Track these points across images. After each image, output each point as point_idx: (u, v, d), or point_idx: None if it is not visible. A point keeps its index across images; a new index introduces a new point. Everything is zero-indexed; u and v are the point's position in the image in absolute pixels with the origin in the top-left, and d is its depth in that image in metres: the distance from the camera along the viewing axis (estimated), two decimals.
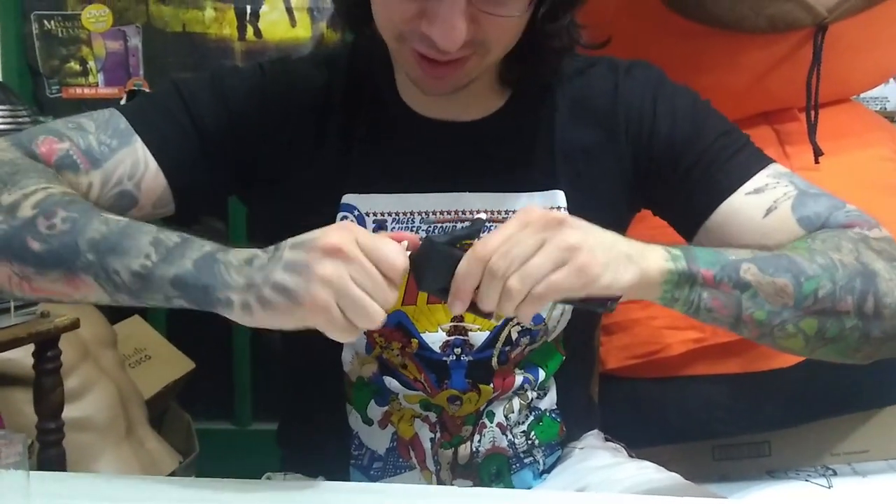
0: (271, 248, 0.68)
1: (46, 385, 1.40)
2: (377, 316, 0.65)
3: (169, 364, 1.94)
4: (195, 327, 1.92)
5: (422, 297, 0.83)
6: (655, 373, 1.31)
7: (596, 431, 0.99)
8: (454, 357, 0.84)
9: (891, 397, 1.33)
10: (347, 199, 0.83)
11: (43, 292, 0.71)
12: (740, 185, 0.82)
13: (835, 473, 1.36)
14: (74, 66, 2.10)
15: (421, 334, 0.84)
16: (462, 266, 0.66)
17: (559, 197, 0.84)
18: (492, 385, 0.86)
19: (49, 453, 1.39)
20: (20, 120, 1.76)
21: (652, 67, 0.89)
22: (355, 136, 0.84)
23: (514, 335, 0.85)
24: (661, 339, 1.29)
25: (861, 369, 1.30)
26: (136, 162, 0.81)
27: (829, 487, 1.33)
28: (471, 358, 0.84)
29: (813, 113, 1.24)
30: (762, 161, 0.85)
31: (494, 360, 0.85)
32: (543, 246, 0.65)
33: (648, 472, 0.87)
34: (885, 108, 1.87)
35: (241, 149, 0.84)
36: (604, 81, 0.87)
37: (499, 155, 0.85)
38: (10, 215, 0.70)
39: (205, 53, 2.06)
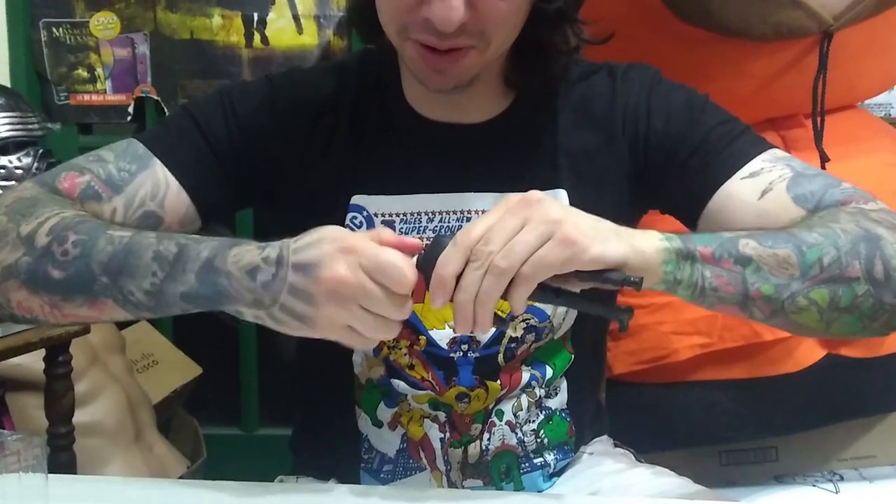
0: (272, 255, 0.68)
1: (57, 390, 1.41)
2: (392, 331, 0.68)
3: (176, 369, 1.95)
4: (202, 332, 1.93)
5: (429, 295, 0.84)
6: (662, 378, 1.32)
7: (606, 437, 0.99)
8: (461, 353, 0.85)
9: None
10: (357, 200, 0.85)
11: (74, 317, 0.74)
12: (736, 170, 0.82)
13: (842, 479, 1.36)
14: (82, 73, 2.12)
15: (429, 331, 0.85)
16: (442, 254, 0.66)
17: (562, 196, 0.85)
18: (499, 382, 0.86)
19: (60, 457, 1.40)
20: (29, 126, 1.77)
21: (648, 68, 0.90)
22: (364, 140, 0.86)
23: (520, 332, 0.85)
24: (668, 344, 1.29)
25: (866, 377, 1.31)
26: (157, 182, 0.83)
27: (837, 493, 1.33)
28: (477, 354, 0.85)
29: (819, 119, 1.25)
30: (760, 146, 0.84)
31: (500, 356, 0.86)
32: (526, 224, 0.65)
33: (661, 477, 0.88)
34: (890, 115, 1.88)
35: (256, 162, 0.86)
36: (603, 85, 0.88)
37: (503, 156, 0.86)
38: (29, 246, 0.72)
39: (212, 60, 2.07)
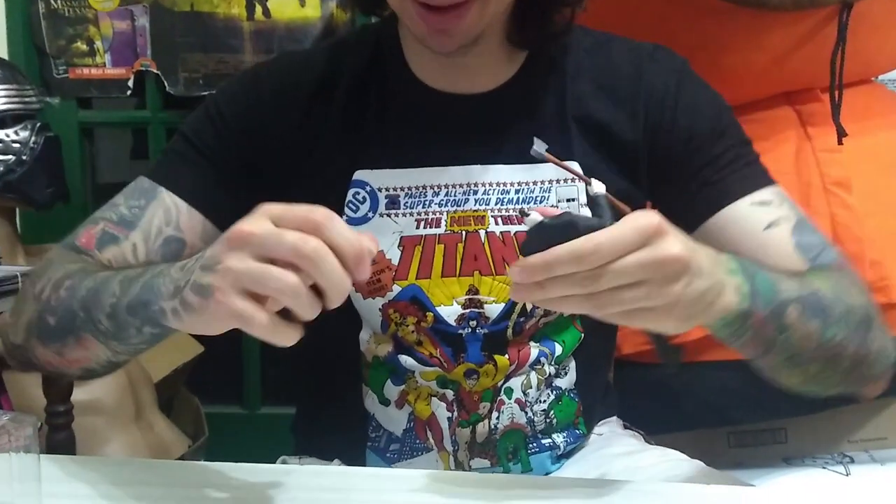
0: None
1: None
2: (292, 289, 0.57)
3: (178, 348, 1.93)
4: None
5: (436, 270, 0.83)
6: None
7: (615, 418, 0.98)
8: (469, 330, 0.84)
9: None
10: (359, 175, 0.83)
11: (76, 362, 0.75)
12: (747, 193, 0.82)
13: (852, 461, 1.35)
14: (81, 46, 2.08)
15: (436, 307, 0.83)
16: (566, 252, 0.58)
17: (574, 167, 0.82)
18: (507, 356, 0.85)
19: (58, 437, 1.38)
20: (27, 99, 1.74)
21: (676, 55, 0.88)
22: (365, 114, 0.84)
23: (530, 306, 0.84)
24: None
25: None
26: (168, 209, 0.84)
27: (847, 475, 1.32)
28: (486, 330, 0.84)
29: (837, 93, 1.22)
30: (769, 179, 0.85)
31: (510, 331, 0.84)
32: (647, 283, 0.59)
33: (671, 460, 0.86)
34: None
35: (254, 159, 0.85)
36: (625, 60, 0.86)
37: (510, 126, 0.84)
38: (38, 301, 0.76)
39: (213, 33, 2.04)
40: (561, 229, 0.59)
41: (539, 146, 0.68)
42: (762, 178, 0.85)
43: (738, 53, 1.21)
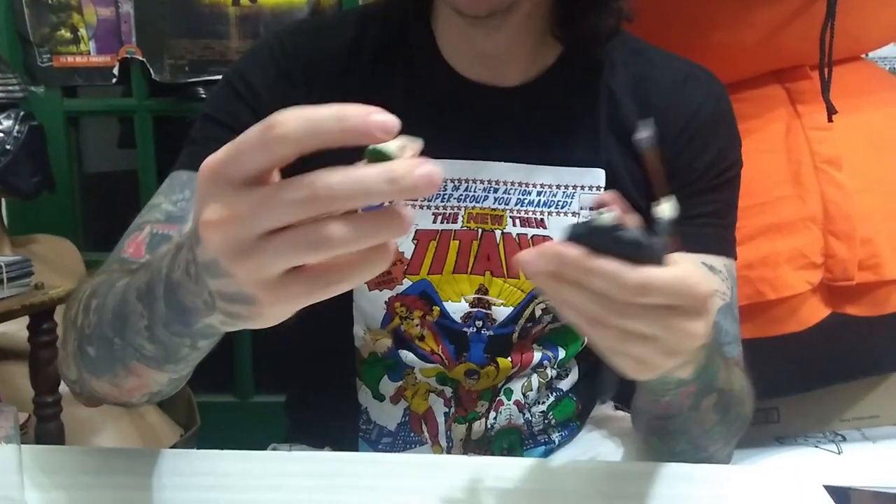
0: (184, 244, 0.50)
1: (42, 358, 1.38)
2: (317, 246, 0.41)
3: None
4: None
5: (448, 266, 0.80)
6: None
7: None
8: (475, 329, 0.82)
9: None
10: None
11: (134, 391, 0.64)
12: (706, 252, 0.81)
13: (844, 439, 1.35)
14: (65, 33, 2.06)
15: (444, 302, 0.81)
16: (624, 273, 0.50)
17: (599, 176, 0.80)
18: (510, 359, 0.83)
19: (47, 427, 1.38)
20: (10, 88, 1.72)
21: (715, 78, 0.85)
22: (389, 95, 0.78)
23: (538, 312, 0.82)
24: None
25: (872, 336, 1.29)
26: None
27: (839, 453, 1.32)
28: (492, 333, 0.82)
29: (826, 70, 1.21)
30: (732, 251, 0.84)
31: (515, 335, 0.83)
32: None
33: None
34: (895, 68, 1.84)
35: None
36: (664, 73, 0.83)
37: (538, 125, 0.80)
38: (74, 328, 0.66)
39: (199, 19, 2.02)
40: (622, 241, 0.51)
41: (644, 131, 0.59)
42: (727, 247, 0.83)
43: (727, 31, 1.19)
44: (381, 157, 0.41)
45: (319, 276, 0.42)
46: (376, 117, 0.40)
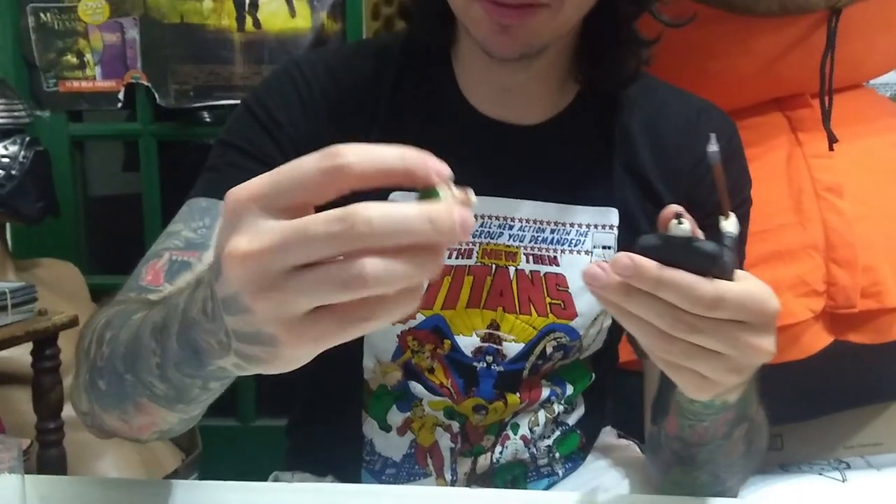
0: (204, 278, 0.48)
1: (45, 384, 1.38)
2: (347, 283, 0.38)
3: None
4: None
5: (462, 301, 0.80)
6: None
7: (609, 427, 0.97)
8: (485, 364, 0.81)
9: None
10: (395, 196, 0.79)
11: (144, 429, 0.63)
12: None
13: (848, 467, 1.34)
14: (71, 59, 2.08)
15: (455, 336, 0.81)
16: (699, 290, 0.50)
17: (613, 215, 0.80)
18: (518, 395, 0.83)
19: (49, 453, 1.37)
20: (16, 114, 1.73)
21: (728, 118, 0.85)
22: (405, 130, 0.77)
23: (549, 349, 0.82)
24: None
25: (875, 363, 1.29)
26: None
27: (844, 481, 1.31)
28: (501, 368, 0.81)
29: (827, 99, 1.21)
30: None
31: (525, 371, 0.82)
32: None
33: None
34: None
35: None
36: (677, 111, 0.83)
37: (555, 163, 0.80)
38: (87, 359, 0.65)
39: (203, 45, 2.04)
40: (699, 254, 0.51)
41: (713, 145, 0.56)
42: None
43: (727, 60, 1.20)
44: (434, 198, 0.40)
45: (347, 313, 0.39)
46: (433, 161, 0.39)
